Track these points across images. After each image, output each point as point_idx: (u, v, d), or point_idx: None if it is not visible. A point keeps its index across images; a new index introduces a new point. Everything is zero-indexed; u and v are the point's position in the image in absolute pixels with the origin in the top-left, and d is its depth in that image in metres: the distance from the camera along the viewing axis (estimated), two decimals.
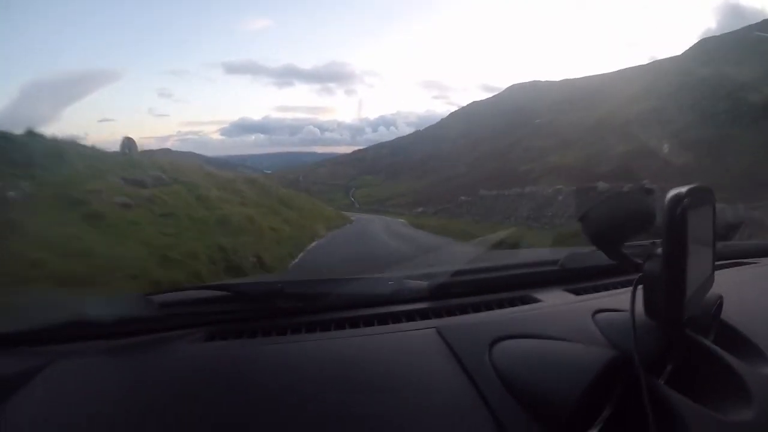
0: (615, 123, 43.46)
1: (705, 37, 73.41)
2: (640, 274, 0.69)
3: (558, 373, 0.66)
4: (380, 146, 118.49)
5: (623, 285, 1.04)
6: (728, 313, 0.85)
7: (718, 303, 0.81)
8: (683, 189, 0.62)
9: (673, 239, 0.62)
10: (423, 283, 1.04)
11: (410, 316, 0.93)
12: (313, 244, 12.47)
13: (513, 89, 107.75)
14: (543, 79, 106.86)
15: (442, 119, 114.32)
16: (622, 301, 0.77)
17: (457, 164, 64.61)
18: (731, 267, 1.29)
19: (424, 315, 0.94)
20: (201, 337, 0.90)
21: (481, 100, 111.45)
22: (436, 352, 0.78)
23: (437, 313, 0.95)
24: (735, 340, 0.83)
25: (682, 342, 0.73)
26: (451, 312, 0.95)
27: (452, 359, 0.76)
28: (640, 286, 0.69)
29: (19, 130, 9.71)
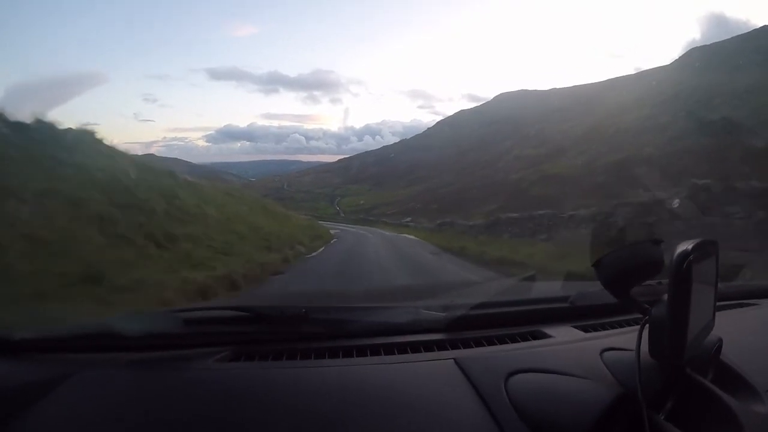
0: (607, 131, 42.74)
1: (692, 47, 74.10)
2: (647, 317, 0.73)
3: (569, 407, 0.72)
4: (366, 155, 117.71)
5: (629, 324, 1.08)
6: (727, 354, 0.90)
7: (718, 345, 0.85)
8: (690, 245, 0.67)
9: (679, 290, 0.67)
10: (440, 315, 1.05)
11: (428, 347, 0.96)
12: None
13: (500, 98, 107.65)
14: (531, 88, 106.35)
15: (428, 128, 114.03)
16: (627, 340, 0.81)
17: (444, 173, 63.63)
18: (733, 308, 1.33)
19: (441, 346, 0.96)
20: (227, 356, 0.91)
21: (468, 109, 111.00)
22: (455, 382, 0.82)
23: (454, 345, 0.97)
24: (732, 379, 0.88)
25: (683, 381, 0.78)
26: (467, 344, 0.97)
27: (470, 389, 0.79)
28: (646, 328, 0.73)
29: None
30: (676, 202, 9.18)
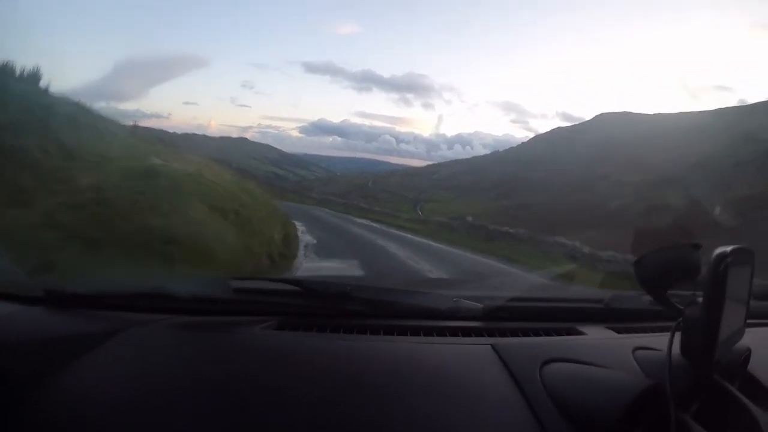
0: (724, 163, 39.87)
1: None
2: (681, 317, 0.76)
3: (600, 394, 0.73)
4: (455, 163, 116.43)
5: (660, 330, 1.11)
6: (755, 368, 0.93)
7: (746, 354, 0.89)
8: (728, 249, 0.70)
9: (714, 291, 0.69)
10: (478, 305, 1.09)
11: (466, 332, 1.00)
12: None
13: (601, 119, 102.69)
14: (634, 111, 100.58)
15: (522, 143, 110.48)
16: (658, 342, 0.85)
17: (536, 190, 61.83)
18: (765, 326, 1.34)
19: (478, 333, 1.01)
20: (272, 325, 0.94)
21: (566, 127, 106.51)
22: (492, 366, 0.85)
23: (491, 333, 1.00)
24: (758, 390, 0.91)
25: (710, 384, 0.80)
26: (503, 333, 1.01)
27: (506, 373, 0.82)
28: (679, 329, 0.76)
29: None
30: None
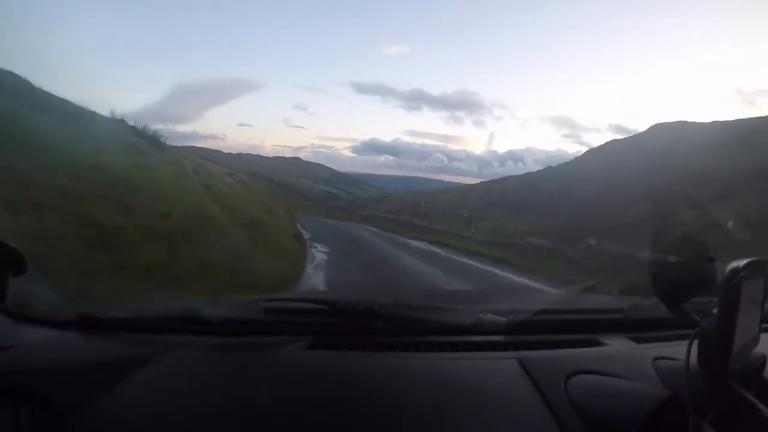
0: None
1: None
2: (697, 329, 0.79)
3: (623, 405, 0.76)
4: (507, 179, 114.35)
5: (679, 338, 1.11)
6: None
7: (762, 361, 0.92)
8: (741, 262, 0.73)
9: (728, 304, 0.72)
10: (502, 319, 1.13)
11: (492, 347, 1.04)
12: None
13: (656, 129, 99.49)
14: (690, 120, 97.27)
15: (576, 157, 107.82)
16: (677, 351, 0.87)
17: (592, 206, 61.18)
18: None
19: (504, 347, 1.05)
20: (305, 345, 0.98)
21: (620, 139, 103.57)
22: (518, 379, 0.88)
23: (516, 347, 1.05)
24: None
25: (727, 392, 0.83)
26: (527, 346, 1.05)
27: (532, 387, 0.86)
28: (696, 339, 0.79)
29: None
30: None
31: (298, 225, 19.87)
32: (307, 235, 15.73)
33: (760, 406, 0.80)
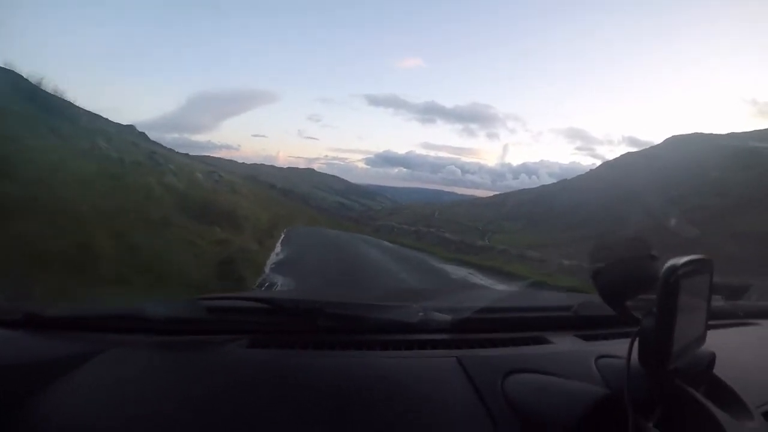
0: None
1: None
2: (638, 327, 0.76)
3: (558, 403, 0.75)
4: (521, 192, 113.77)
5: (624, 336, 1.06)
6: (723, 370, 0.91)
7: (711, 359, 0.88)
8: (680, 260, 0.71)
9: (665, 302, 0.70)
10: (447, 317, 1.11)
11: (435, 345, 1.02)
12: None
13: (671, 141, 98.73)
14: (705, 132, 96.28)
15: (591, 170, 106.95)
16: (621, 350, 0.83)
17: (608, 219, 60.77)
18: (733, 326, 1.38)
19: (447, 345, 1.03)
20: (245, 343, 0.96)
21: (634, 152, 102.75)
22: (456, 378, 0.87)
23: (458, 345, 1.02)
24: (724, 394, 0.89)
25: (671, 390, 0.80)
26: (471, 345, 1.03)
27: (469, 385, 0.84)
28: (637, 338, 0.77)
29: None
30: None
31: (279, 242, 14.94)
32: (279, 255, 11.56)
33: (708, 404, 0.79)
